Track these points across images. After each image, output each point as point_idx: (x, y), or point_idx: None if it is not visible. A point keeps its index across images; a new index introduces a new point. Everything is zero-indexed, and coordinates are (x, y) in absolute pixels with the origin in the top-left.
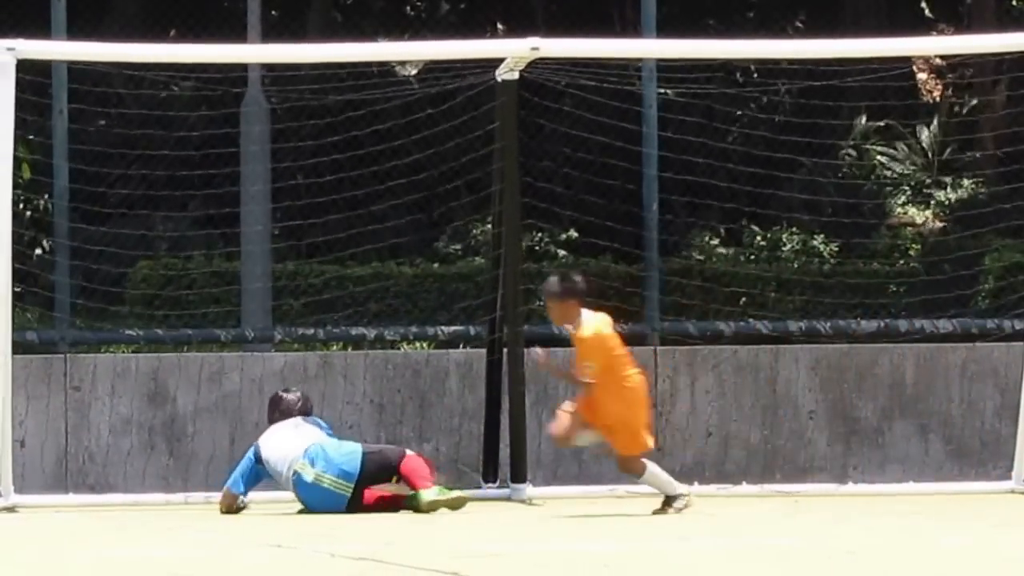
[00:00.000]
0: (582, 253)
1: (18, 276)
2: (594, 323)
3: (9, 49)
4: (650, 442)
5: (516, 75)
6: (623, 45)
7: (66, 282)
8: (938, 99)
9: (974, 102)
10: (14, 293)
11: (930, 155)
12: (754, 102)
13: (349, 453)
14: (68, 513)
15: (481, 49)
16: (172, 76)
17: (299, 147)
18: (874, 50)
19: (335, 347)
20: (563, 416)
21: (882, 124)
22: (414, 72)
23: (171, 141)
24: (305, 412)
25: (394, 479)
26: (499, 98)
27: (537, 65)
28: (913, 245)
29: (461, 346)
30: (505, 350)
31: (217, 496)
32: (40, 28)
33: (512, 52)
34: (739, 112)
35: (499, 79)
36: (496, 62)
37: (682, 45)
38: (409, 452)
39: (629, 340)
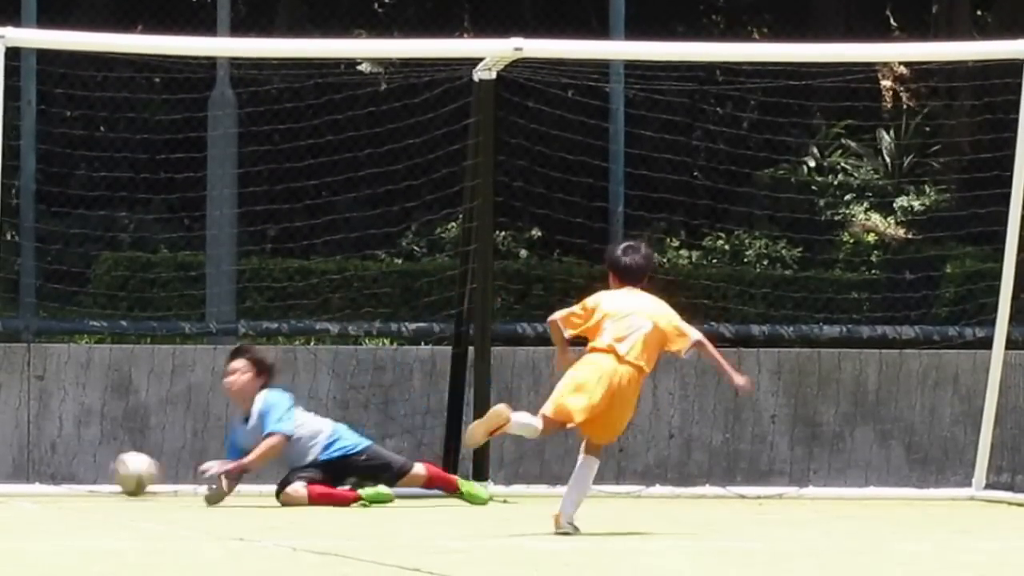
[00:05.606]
0: (547, 252)
1: None
2: None
3: None
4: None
5: (494, 74)
6: (605, 46)
7: (32, 266)
8: (902, 106)
9: (937, 109)
10: None
11: (892, 162)
12: (720, 106)
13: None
14: (29, 503)
15: (463, 48)
16: (140, 70)
17: (266, 142)
18: (841, 55)
19: (299, 341)
20: None
21: (845, 130)
22: (380, 69)
23: (138, 135)
24: None
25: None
26: (476, 96)
27: (516, 64)
28: (876, 251)
29: (423, 343)
30: (472, 346)
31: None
32: (8, 19)
33: (494, 52)
34: (705, 113)
35: (476, 78)
36: (467, 61)
37: (667, 47)
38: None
39: None
